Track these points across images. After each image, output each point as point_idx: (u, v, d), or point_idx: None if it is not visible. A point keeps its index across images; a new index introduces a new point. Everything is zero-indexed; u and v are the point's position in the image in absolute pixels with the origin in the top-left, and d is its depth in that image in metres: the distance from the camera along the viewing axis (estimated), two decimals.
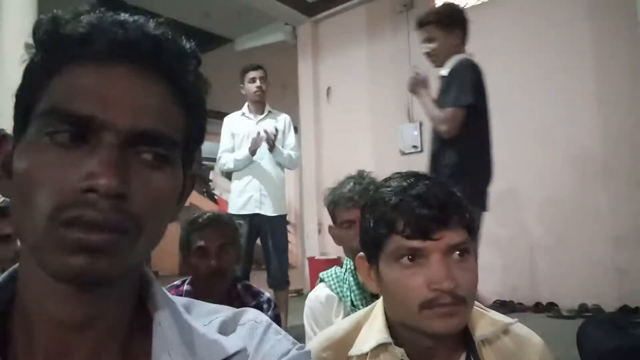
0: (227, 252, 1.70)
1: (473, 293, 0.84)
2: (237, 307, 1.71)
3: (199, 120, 0.53)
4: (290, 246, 3.60)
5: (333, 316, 1.51)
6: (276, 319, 1.83)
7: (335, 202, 1.59)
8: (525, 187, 4.39)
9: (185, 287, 1.80)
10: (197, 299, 1.73)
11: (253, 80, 3.55)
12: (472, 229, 0.86)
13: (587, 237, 4.09)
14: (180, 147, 0.50)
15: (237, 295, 1.80)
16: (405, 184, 0.86)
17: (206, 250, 1.67)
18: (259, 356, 0.52)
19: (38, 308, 0.48)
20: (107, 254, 0.43)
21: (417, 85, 2.46)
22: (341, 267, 1.60)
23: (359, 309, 1.11)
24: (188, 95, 0.50)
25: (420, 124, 5.08)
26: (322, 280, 1.59)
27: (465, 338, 0.89)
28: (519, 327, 0.93)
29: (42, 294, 0.47)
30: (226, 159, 3.54)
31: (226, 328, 0.55)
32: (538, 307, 4.18)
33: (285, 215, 3.62)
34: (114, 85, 0.45)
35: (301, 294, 5.61)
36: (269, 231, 3.48)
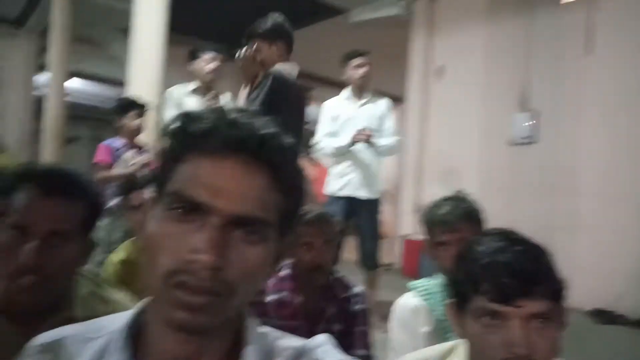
0: (329, 249, 1.82)
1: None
2: (329, 298, 1.81)
3: (295, 201, 0.64)
4: (382, 217, 3.71)
5: (420, 326, 1.58)
6: (364, 313, 1.94)
7: (430, 222, 1.64)
8: None
9: (284, 272, 1.94)
10: (294, 286, 1.87)
11: (358, 66, 3.59)
12: (559, 297, 0.89)
13: None
14: (275, 225, 0.60)
15: (329, 286, 1.92)
16: (497, 245, 0.90)
17: (311, 246, 1.79)
18: None
19: (158, 344, 0.61)
20: (204, 312, 0.55)
21: None
22: (432, 279, 1.65)
23: (448, 323, 1.17)
24: (286, 182, 0.61)
25: (536, 114, 4.86)
26: (411, 289, 1.66)
27: None
28: None
29: (161, 333, 0.60)
30: (325, 144, 3.65)
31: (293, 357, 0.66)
32: None
33: (379, 199, 3.70)
34: (223, 176, 0.57)
35: (389, 269, 5.72)
36: (365, 214, 3.60)
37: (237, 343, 0.64)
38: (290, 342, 0.67)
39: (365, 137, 3.47)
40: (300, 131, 2.87)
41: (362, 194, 3.59)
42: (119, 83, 4.92)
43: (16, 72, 8.46)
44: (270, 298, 1.89)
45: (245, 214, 0.57)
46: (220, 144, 0.58)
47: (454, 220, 1.56)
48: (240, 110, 0.62)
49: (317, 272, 1.81)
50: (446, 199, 1.65)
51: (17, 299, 0.99)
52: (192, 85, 3.68)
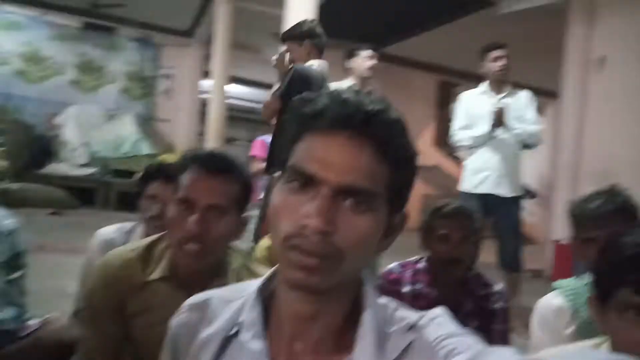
0: (467, 243, 1.80)
1: None
2: (467, 294, 1.79)
3: (404, 175, 0.68)
4: (533, 220, 3.49)
5: (562, 327, 1.50)
6: (504, 312, 1.88)
7: (579, 217, 1.54)
8: None
9: (421, 264, 1.96)
10: (430, 278, 1.88)
11: (496, 59, 3.45)
12: None
13: None
14: (384, 196, 0.65)
15: (467, 282, 1.89)
16: None
17: (448, 239, 1.78)
18: (423, 344, 0.65)
19: (284, 302, 0.70)
20: (316, 273, 0.62)
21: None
22: (579, 279, 1.56)
23: (594, 324, 1.12)
24: (393, 156, 0.65)
25: None
26: (556, 289, 1.58)
27: None
28: None
29: (285, 292, 0.69)
30: (462, 136, 3.55)
31: (412, 327, 0.68)
32: None
33: (520, 197, 3.51)
34: (333, 151, 0.64)
35: (538, 275, 5.37)
36: (505, 213, 3.43)
37: (355, 308, 0.70)
38: (408, 313, 0.71)
39: (500, 114, 3.33)
40: None
41: (501, 191, 3.42)
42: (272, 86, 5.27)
43: (185, 79, 9.46)
44: (406, 289, 1.92)
45: (353, 185, 0.63)
46: (330, 121, 0.64)
47: (606, 214, 1.46)
48: (352, 91, 0.67)
49: (453, 266, 1.79)
50: (598, 193, 1.54)
51: (183, 263, 1.18)
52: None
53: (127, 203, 6.25)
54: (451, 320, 0.69)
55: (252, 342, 0.69)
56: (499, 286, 1.92)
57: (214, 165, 1.20)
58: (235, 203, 1.22)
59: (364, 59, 3.66)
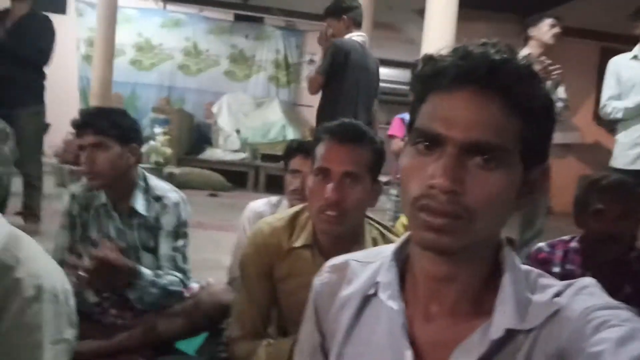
0: (626, 220, 1.63)
1: None
2: (626, 275, 1.65)
3: (539, 127, 0.64)
4: None
5: None
6: None
7: None
8: None
9: (573, 244, 1.82)
10: (582, 260, 1.76)
11: None
12: None
13: None
14: (516, 151, 0.62)
15: (627, 263, 1.72)
16: None
17: (604, 215, 1.64)
18: (571, 313, 0.61)
19: (418, 264, 0.70)
20: (446, 233, 0.61)
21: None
22: None
23: None
24: (523, 107, 0.61)
25: None
26: None
27: None
28: None
29: (419, 254, 0.69)
30: (613, 107, 3.18)
31: (557, 295, 0.64)
32: None
33: None
34: (456, 108, 0.62)
35: None
36: None
37: (494, 272, 0.67)
38: (553, 281, 0.67)
39: None
40: (370, 90, 3.47)
41: None
42: (412, 66, 5.19)
43: None
44: (555, 269, 1.80)
45: (479, 141, 0.60)
46: (452, 78, 0.62)
47: None
48: (479, 44, 0.64)
49: (609, 244, 1.64)
50: None
51: (323, 230, 1.24)
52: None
53: (275, 185, 6.68)
54: (603, 291, 0.64)
55: (389, 302, 0.71)
56: None
57: (346, 134, 1.25)
58: (368, 170, 1.25)
59: (547, 27, 3.48)
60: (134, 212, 1.96)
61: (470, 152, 0.61)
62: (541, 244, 1.90)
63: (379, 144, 1.29)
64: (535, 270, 0.69)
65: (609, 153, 3.36)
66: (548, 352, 0.61)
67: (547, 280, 0.68)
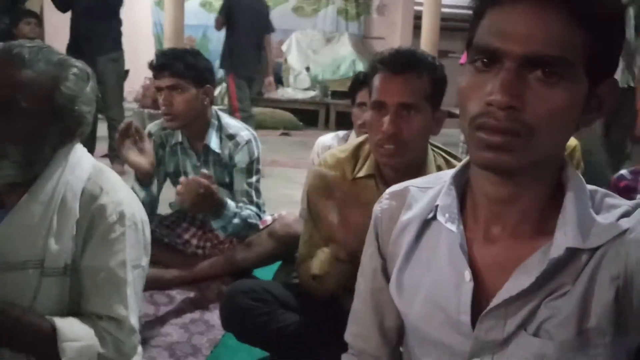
0: None
1: None
2: None
3: (606, 36, 0.60)
4: None
5: None
6: None
7: None
8: None
9: None
10: None
11: None
12: None
13: None
14: (580, 64, 0.59)
15: None
16: None
17: None
18: (637, 230, 0.60)
19: (478, 186, 0.69)
20: (505, 151, 0.59)
21: None
22: None
23: None
24: (588, 17, 0.58)
25: None
26: None
27: None
28: None
29: (479, 176, 0.68)
30: None
31: (624, 216, 0.63)
32: None
33: None
34: (514, 21, 0.59)
35: None
36: None
37: (558, 192, 0.66)
38: (622, 201, 0.65)
39: None
40: (259, 26, 4.88)
41: None
42: None
43: None
44: (639, 198, 1.71)
45: (539, 54, 0.57)
46: None
47: None
48: None
49: None
50: None
51: (383, 162, 1.24)
52: None
53: (345, 122, 6.64)
54: None
55: (448, 225, 0.71)
56: None
57: (399, 64, 1.20)
58: (427, 98, 1.21)
59: None
60: (208, 150, 2.05)
61: (530, 67, 0.58)
62: (623, 171, 1.79)
63: (438, 70, 1.23)
64: (602, 190, 0.67)
65: None
66: (613, 273, 0.60)
67: (614, 200, 0.66)
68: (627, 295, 0.60)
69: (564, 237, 0.62)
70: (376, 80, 1.23)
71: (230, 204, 1.91)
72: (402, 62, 1.21)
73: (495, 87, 0.58)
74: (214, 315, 1.81)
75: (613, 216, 0.63)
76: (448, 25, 7.76)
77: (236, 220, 1.92)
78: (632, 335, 0.63)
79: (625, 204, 0.64)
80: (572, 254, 0.62)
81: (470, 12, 0.66)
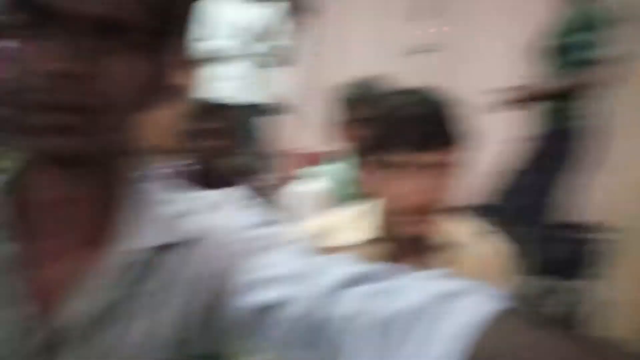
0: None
1: None
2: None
3: (179, 4, 0.49)
4: None
5: None
6: None
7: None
8: None
9: None
10: None
11: None
12: None
13: None
14: (146, 32, 0.46)
15: None
16: None
17: None
18: (213, 229, 0.53)
19: (30, 191, 0.51)
20: (65, 132, 0.44)
21: None
22: None
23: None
24: None
25: None
26: None
27: None
28: None
29: (32, 175, 0.51)
30: None
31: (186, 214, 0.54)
32: None
33: None
34: None
35: None
36: None
37: (119, 188, 0.53)
38: (200, 193, 0.58)
39: None
40: None
41: None
42: None
43: None
44: None
45: (100, 15, 0.43)
46: None
47: None
48: None
49: None
50: None
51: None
52: None
53: None
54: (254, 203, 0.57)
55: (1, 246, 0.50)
56: None
57: None
58: None
59: None
60: None
61: (91, 31, 0.44)
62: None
63: None
64: (178, 182, 0.58)
65: None
66: (189, 276, 0.51)
67: (190, 194, 0.56)
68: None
69: (122, 242, 0.50)
70: None
71: None
72: None
73: (51, 54, 0.42)
74: None
75: (181, 213, 0.53)
76: None
77: None
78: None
79: (206, 196, 0.57)
80: (137, 255, 0.50)
81: None
